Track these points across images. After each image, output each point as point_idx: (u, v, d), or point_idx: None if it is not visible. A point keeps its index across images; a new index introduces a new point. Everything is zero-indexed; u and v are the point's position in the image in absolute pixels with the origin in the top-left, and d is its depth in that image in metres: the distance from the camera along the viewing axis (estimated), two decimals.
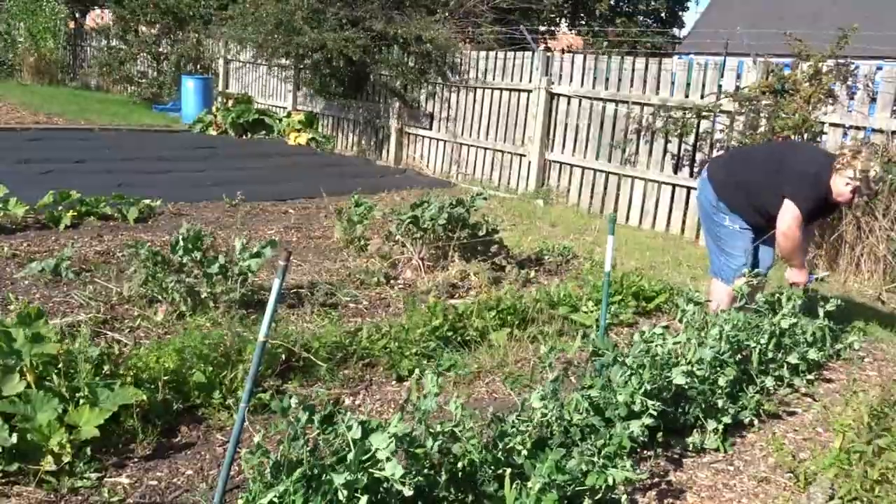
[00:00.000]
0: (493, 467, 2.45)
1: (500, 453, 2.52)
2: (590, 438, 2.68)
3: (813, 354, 3.90)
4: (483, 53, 9.81)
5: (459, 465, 2.41)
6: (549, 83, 8.73)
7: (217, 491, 2.28)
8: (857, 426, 3.00)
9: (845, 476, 2.41)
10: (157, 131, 12.07)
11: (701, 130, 7.34)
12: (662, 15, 26.76)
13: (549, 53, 9.16)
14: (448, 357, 3.79)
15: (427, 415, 2.36)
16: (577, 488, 2.43)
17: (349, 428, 2.07)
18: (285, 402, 2.08)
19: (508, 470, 2.37)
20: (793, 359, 3.78)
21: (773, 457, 3.09)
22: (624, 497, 2.56)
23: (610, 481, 2.46)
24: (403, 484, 2.02)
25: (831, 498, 2.22)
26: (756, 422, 3.37)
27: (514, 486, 2.34)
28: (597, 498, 2.47)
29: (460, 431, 2.41)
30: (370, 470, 2.06)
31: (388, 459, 2.04)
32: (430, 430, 2.35)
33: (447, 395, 2.86)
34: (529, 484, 2.33)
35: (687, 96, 7.47)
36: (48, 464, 2.53)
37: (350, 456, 2.03)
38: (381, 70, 10.73)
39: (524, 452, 2.51)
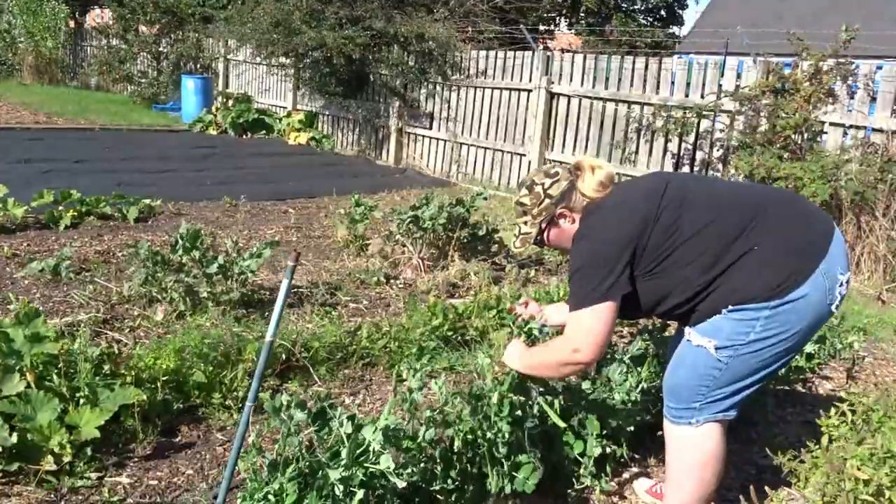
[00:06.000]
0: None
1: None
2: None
3: (809, 348, 3.90)
4: (483, 53, 9.80)
5: (454, 446, 2.40)
6: (549, 83, 8.73)
7: (221, 489, 2.28)
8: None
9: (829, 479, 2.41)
10: (157, 131, 12.07)
11: (701, 130, 7.34)
12: (662, 13, 26.79)
13: (548, 53, 9.17)
14: (446, 357, 3.79)
15: (414, 404, 2.33)
16: None
17: (341, 424, 2.07)
18: (277, 401, 2.08)
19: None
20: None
21: (773, 455, 3.09)
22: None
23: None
24: (398, 476, 2.03)
25: (824, 496, 2.22)
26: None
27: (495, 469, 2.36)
28: None
29: (449, 409, 2.40)
30: (365, 465, 2.06)
31: (379, 453, 2.04)
32: (419, 420, 2.34)
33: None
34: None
35: (687, 96, 7.46)
36: (48, 464, 2.53)
37: (344, 451, 2.04)
38: (381, 69, 10.72)
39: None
